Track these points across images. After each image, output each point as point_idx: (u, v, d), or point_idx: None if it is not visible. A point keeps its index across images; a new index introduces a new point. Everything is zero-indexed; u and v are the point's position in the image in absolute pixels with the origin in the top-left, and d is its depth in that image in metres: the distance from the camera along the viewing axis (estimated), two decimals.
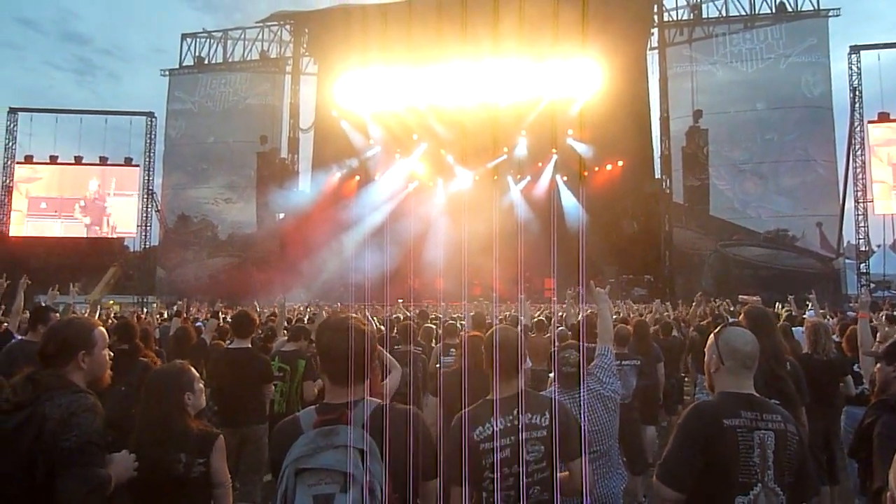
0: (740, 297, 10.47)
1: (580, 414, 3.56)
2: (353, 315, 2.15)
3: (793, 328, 7.39)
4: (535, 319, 8.21)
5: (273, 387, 5.32)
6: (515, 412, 2.51)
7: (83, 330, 2.40)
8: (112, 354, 2.55)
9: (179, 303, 12.70)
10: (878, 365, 3.62)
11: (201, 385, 4.28)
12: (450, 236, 21.94)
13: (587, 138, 23.85)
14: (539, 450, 2.51)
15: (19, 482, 2.02)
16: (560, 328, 7.29)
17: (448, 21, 23.42)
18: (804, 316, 8.10)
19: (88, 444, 2.08)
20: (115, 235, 29.39)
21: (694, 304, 10.95)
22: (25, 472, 2.03)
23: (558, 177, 25.45)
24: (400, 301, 15.55)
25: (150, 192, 28.40)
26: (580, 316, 6.89)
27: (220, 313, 11.02)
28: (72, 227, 28.31)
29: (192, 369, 3.01)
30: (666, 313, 10.94)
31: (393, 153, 26.36)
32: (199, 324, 9.33)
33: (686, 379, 9.12)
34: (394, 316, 10.08)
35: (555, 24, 21.29)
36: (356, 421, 1.89)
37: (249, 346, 5.37)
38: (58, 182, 28.29)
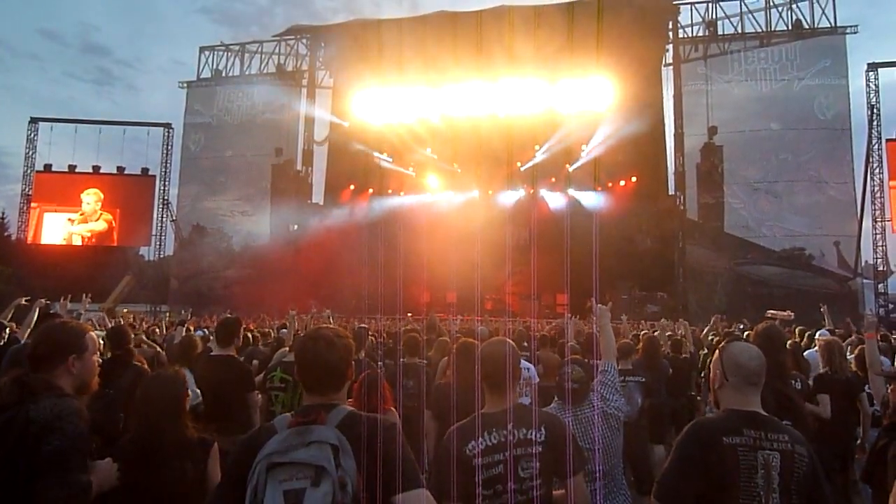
0: (769, 312, 10.18)
1: (583, 430, 3.49)
2: (332, 326, 2.15)
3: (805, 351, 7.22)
4: (540, 335, 8.10)
5: (258, 395, 5.28)
6: (510, 427, 2.45)
7: (75, 334, 2.38)
8: (101, 361, 2.52)
9: (184, 313, 12.76)
10: (893, 386, 3.52)
11: (198, 391, 4.27)
12: (462, 250, 21.88)
13: (601, 154, 23.76)
14: (533, 466, 2.44)
15: (1, 485, 2.00)
16: (571, 343, 7.18)
17: (463, 37, 23.59)
18: (816, 336, 7.92)
19: (71, 448, 2.06)
20: (128, 245, 29.63)
21: (710, 325, 10.78)
22: (7, 475, 2.00)
23: (571, 192, 25.36)
24: (409, 315, 15.51)
25: (165, 202, 28.65)
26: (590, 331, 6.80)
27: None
28: (87, 236, 28.54)
29: (186, 375, 2.99)
30: (680, 331, 10.75)
31: (406, 166, 26.44)
32: (199, 332, 9.32)
33: (699, 398, 8.96)
34: (404, 329, 10.00)
35: (569, 39, 21.32)
36: (330, 422, 1.89)
37: (231, 353, 5.34)
38: (75, 191, 28.54)
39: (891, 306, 21.46)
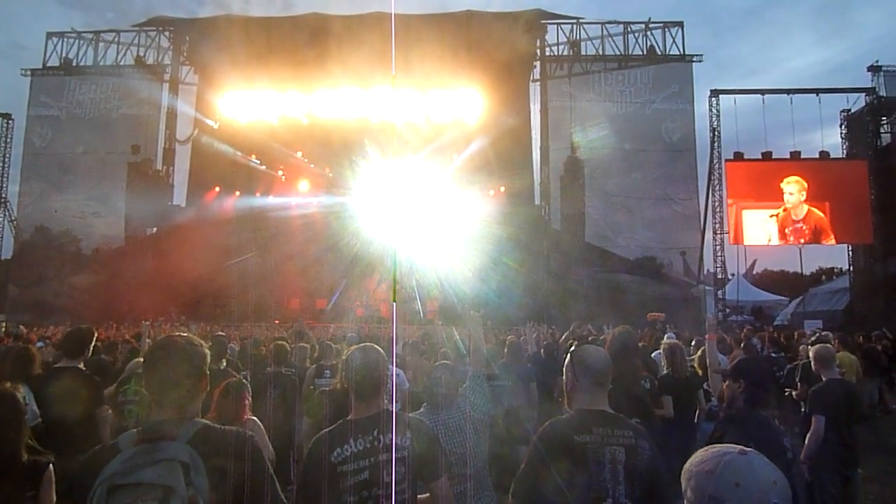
0: (648, 315, 11.08)
1: (451, 435, 3.54)
2: (185, 334, 2.03)
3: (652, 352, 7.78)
4: (411, 341, 8.17)
5: (108, 411, 4.93)
6: (376, 433, 2.44)
7: None
8: None
9: (22, 327, 11.64)
10: (727, 382, 3.87)
11: (37, 409, 3.90)
12: (332, 256, 21.56)
13: (472, 163, 24.36)
14: (400, 471, 2.45)
15: None
16: (443, 350, 7.29)
17: (335, 41, 23.36)
18: (664, 340, 8.60)
19: None
20: None
21: (569, 331, 11.35)
22: None
23: (442, 199, 25.73)
24: (277, 322, 15.09)
25: (2, 200, 25.96)
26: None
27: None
28: None
29: (23, 391, 2.73)
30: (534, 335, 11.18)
31: (276, 168, 25.71)
32: (39, 344, 8.53)
33: (561, 400, 9.37)
34: (274, 337, 9.71)
35: (441, 52, 21.74)
36: (181, 437, 1.78)
37: (80, 366, 4.92)
38: None
39: (728, 310, 23.66)
